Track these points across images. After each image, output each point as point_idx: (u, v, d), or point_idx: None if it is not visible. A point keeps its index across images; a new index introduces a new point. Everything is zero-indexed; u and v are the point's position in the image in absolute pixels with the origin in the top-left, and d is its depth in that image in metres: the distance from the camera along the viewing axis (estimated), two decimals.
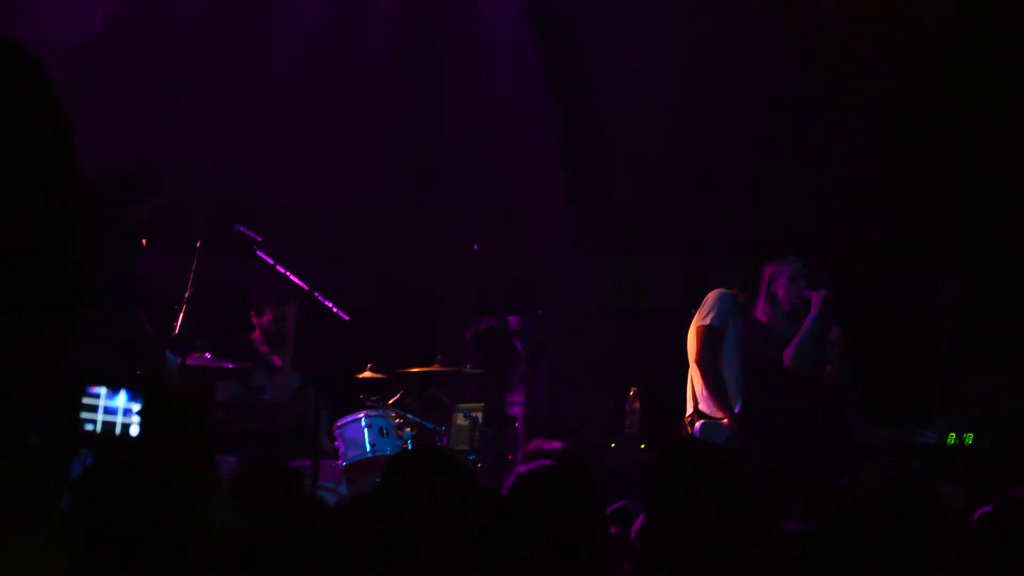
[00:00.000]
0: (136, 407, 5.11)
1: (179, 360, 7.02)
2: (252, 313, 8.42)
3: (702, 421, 7.71)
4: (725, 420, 7.55)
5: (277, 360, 8.38)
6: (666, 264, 9.31)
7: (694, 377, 7.87)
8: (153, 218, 6.89)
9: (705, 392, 7.79)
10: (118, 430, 5.12)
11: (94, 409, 5.11)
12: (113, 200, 6.66)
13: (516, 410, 9.02)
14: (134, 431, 5.10)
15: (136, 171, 6.83)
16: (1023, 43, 8.89)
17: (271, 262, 7.14)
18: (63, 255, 2.02)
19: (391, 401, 8.32)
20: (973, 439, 7.62)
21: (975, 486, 7.43)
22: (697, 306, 7.91)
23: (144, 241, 6.89)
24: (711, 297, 7.84)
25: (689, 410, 7.86)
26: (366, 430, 7.96)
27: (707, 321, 7.75)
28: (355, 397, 8.32)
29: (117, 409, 5.13)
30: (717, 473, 3.51)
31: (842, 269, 8.26)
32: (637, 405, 8.14)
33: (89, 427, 5.10)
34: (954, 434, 7.66)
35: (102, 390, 5.10)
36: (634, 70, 9.61)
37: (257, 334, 8.42)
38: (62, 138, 2.04)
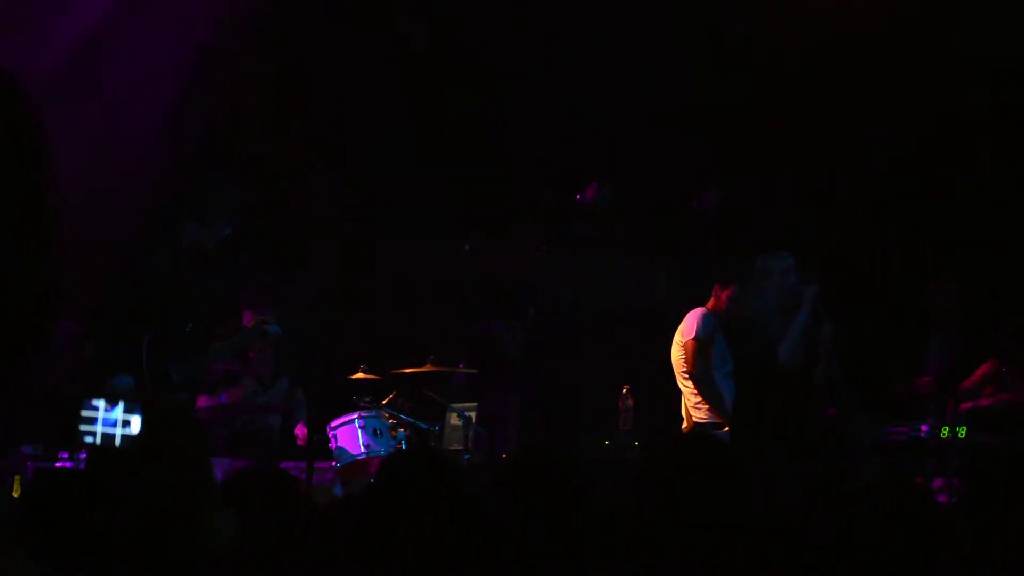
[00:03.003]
0: (134, 419, 5.13)
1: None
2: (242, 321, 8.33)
3: (703, 425, 7.79)
4: (726, 428, 7.59)
5: (266, 371, 8.32)
6: (653, 262, 9.30)
7: (686, 391, 7.95)
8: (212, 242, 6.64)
9: (699, 402, 7.85)
10: (117, 442, 5.15)
11: (93, 422, 5.14)
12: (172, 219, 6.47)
13: (510, 410, 9.03)
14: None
15: (201, 193, 6.55)
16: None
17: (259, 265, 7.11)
18: (30, 274, 2.00)
19: (384, 402, 8.33)
20: (966, 432, 7.61)
21: (969, 480, 7.41)
22: (685, 302, 8.02)
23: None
24: (691, 316, 8.00)
25: (685, 425, 7.94)
26: (360, 431, 7.98)
27: (692, 334, 7.89)
28: (349, 398, 8.33)
29: (116, 421, 5.16)
30: (715, 465, 3.52)
31: (833, 264, 8.24)
32: (631, 402, 8.15)
33: (88, 439, 5.13)
34: (947, 428, 7.65)
35: (100, 403, 5.13)
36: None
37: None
38: (34, 152, 2.02)
